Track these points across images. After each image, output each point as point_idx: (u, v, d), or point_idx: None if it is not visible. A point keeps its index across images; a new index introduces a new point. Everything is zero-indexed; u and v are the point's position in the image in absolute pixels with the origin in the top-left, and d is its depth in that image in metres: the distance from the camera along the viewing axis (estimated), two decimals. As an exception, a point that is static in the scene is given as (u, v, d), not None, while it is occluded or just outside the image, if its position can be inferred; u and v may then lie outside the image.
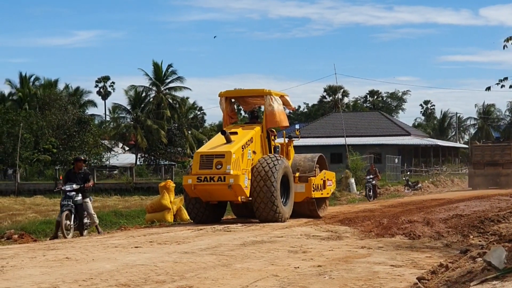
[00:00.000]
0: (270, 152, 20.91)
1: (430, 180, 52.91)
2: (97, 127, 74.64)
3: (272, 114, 20.80)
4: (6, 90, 78.34)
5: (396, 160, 58.16)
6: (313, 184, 21.22)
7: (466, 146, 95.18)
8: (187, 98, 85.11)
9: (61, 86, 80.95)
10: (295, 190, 20.74)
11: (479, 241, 13.67)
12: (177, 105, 78.04)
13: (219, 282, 9.29)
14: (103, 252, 12.56)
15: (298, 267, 10.54)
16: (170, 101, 77.93)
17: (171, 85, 78.53)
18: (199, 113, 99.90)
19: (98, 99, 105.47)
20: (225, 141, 19.61)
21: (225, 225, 18.11)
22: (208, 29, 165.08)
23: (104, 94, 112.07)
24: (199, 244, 13.70)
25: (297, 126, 24.28)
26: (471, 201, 27.41)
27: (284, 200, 20.15)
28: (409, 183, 46.02)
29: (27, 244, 15.50)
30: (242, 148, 19.63)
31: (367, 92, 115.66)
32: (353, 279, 9.44)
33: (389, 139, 68.39)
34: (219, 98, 21.64)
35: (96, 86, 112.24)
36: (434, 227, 16.34)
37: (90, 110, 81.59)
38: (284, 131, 22.92)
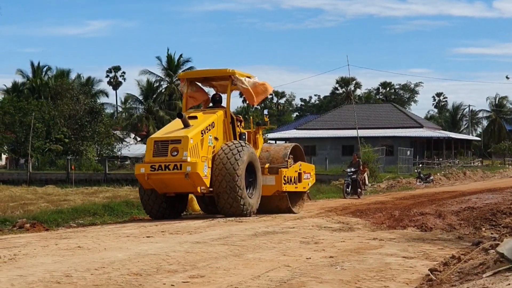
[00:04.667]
0: (235, 139, 18.97)
1: (442, 172, 52.76)
2: (108, 117, 74.66)
3: (248, 91, 19.31)
4: (19, 79, 78.69)
5: (408, 152, 58.00)
6: (285, 176, 19.37)
7: (479, 138, 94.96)
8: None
9: (72, 76, 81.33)
10: (264, 182, 18.90)
11: (491, 233, 13.62)
12: (189, 96, 78.09)
13: (230, 272, 9.28)
14: (115, 242, 12.59)
15: (310, 258, 10.52)
16: (183, 91, 78.07)
17: (183, 75, 78.72)
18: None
19: (109, 89, 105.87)
20: (182, 126, 17.90)
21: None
22: (220, 20, 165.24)
23: (115, 84, 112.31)
24: (211, 234, 13.71)
25: (265, 112, 22.43)
26: (483, 194, 27.35)
27: (250, 191, 18.33)
28: (421, 175, 45.91)
29: (39, 233, 15.53)
30: (202, 133, 17.83)
31: (380, 84, 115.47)
32: (365, 270, 9.42)
33: (402, 131, 68.21)
34: (180, 80, 20.15)
35: (107, 76, 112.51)
36: (446, 220, 16.32)
37: (101, 100, 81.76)
38: (251, 117, 21.55)
